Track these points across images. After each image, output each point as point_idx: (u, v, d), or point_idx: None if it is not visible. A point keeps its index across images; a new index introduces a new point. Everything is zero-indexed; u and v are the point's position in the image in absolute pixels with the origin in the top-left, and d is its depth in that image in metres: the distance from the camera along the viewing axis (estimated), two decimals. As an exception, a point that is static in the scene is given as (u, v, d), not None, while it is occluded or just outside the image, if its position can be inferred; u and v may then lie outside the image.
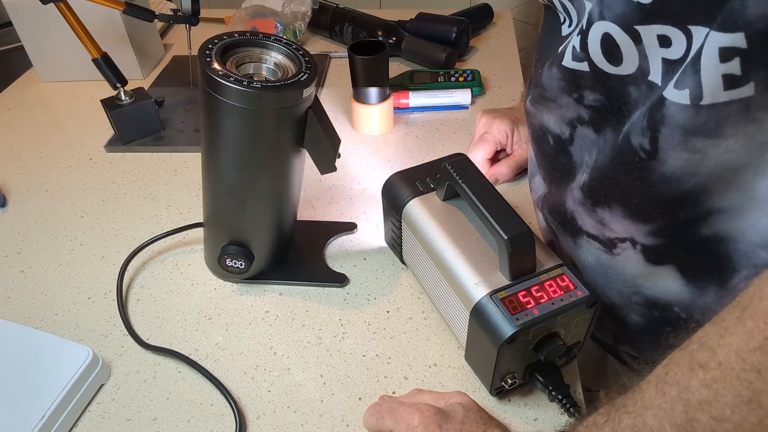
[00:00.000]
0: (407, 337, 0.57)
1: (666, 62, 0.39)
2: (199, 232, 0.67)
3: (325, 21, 1.10)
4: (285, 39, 0.53)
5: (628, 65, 0.42)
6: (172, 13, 0.86)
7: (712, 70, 0.35)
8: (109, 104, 0.83)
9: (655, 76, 0.41)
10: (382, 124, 0.86)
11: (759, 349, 0.29)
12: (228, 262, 0.59)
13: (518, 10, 1.61)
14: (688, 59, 0.37)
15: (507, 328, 0.45)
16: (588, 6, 0.43)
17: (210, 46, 0.49)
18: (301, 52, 0.52)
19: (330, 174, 0.56)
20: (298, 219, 0.64)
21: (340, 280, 0.63)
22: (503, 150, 0.75)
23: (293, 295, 0.62)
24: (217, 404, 0.52)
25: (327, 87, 0.99)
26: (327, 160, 0.54)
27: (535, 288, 0.47)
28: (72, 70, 1.01)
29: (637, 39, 0.40)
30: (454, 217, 0.55)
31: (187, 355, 0.56)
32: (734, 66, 0.34)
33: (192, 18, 0.85)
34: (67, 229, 0.72)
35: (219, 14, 1.23)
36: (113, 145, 0.86)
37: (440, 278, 0.53)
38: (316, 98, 0.53)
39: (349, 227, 0.69)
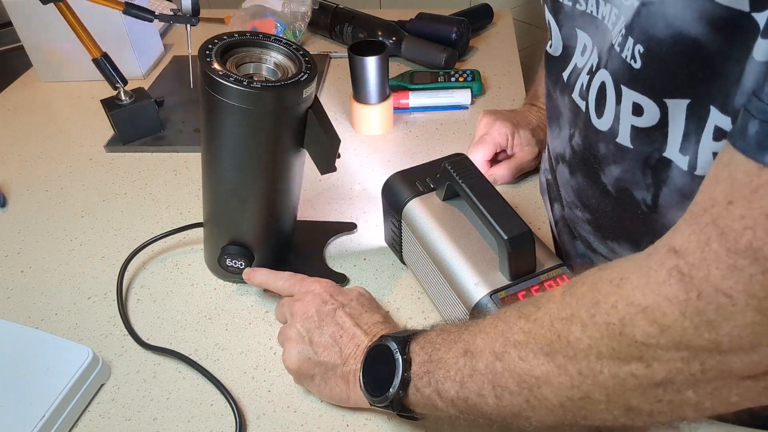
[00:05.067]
0: (407, 337, 0.57)
1: (635, 129, 0.42)
2: (199, 232, 0.67)
3: (325, 21, 1.10)
4: (285, 39, 0.53)
5: (605, 122, 0.44)
6: (172, 13, 0.86)
7: (706, 145, 0.38)
8: (109, 104, 0.83)
9: (624, 138, 0.43)
10: (382, 124, 0.86)
11: (565, 319, 0.35)
12: (228, 262, 0.59)
13: (518, 10, 1.61)
14: (669, 126, 0.39)
15: None
16: (585, 41, 0.46)
17: (210, 46, 0.49)
18: (301, 52, 0.52)
19: (330, 174, 0.56)
20: (298, 219, 0.64)
21: (340, 280, 0.63)
22: (504, 152, 0.75)
23: (293, 295, 0.62)
24: (217, 404, 0.52)
25: (327, 87, 0.99)
26: (327, 160, 0.54)
27: (535, 288, 0.47)
28: (72, 70, 1.01)
29: (618, 99, 0.42)
30: (454, 217, 0.55)
31: (187, 355, 0.56)
32: (721, 147, 0.36)
33: (192, 18, 0.85)
34: (67, 229, 0.72)
35: (219, 14, 1.23)
36: (113, 145, 0.86)
37: (440, 278, 0.53)
38: (316, 98, 0.53)
39: (349, 227, 0.69)
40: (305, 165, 0.59)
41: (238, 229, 0.58)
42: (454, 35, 1.00)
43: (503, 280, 0.48)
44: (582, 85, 0.47)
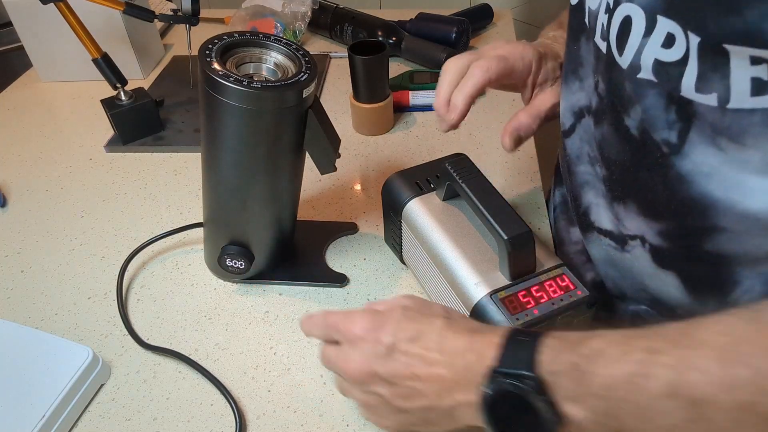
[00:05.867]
0: (407, 337, 0.57)
1: (657, 62, 0.39)
2: (199, 232, 0.67)
3: (325, 21, 1.10)
4: (285, 39, 0.53)
5: (625, 58, 0.42)
6: (172, 13, 0.86)
7: (741, 73, 0.35)
8: (109, 104, 0.83)
9: (646, 73, 0.40)
10: (382, 124, 0.86)
11: None
12: (228, 262, 0.59)
13: (518, 10, 1.61)
14: (688, 64, 0.37)
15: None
16: None
17: (210, 46, 0.49)
18: (301, 52, 0.52)
19: (330, 174, 0.56)
20: (298, 219, 0.64)
21: (340, 280, 0.63)
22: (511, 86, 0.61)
23: (293, 295, 0.62)
24: (217, 404, 0.52)
25: (327, 87, 0.99)
26: (327, 160, 0.54)
27: (535, 288, 0.47)
28: (72, 70, 1.01)
29: (650, 29, 0.39)
30: (454, 217, 0.55)
31: (187, 355, 0.56)
32: (762, 71, 0.34)
33: (192, 18, 0.85)
34: (67, 229, 0.72)
35: (219, 14, 1.23)
36: (113, 145, 0.86)
37: (440, 278, 0.53)
38: (316, 98, 0.53)
39: (349, 227, 0.69)
40: (305, 165, 0.59)
41: (238, 229, 0.58)
42: (454, 35, 1.00)
43: (503, 280, 0.48)
44: (602, 25, 0.45)
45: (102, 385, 0.54)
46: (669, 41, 0.37)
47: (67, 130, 0.91)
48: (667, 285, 0.49)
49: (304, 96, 0.49)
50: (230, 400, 0.52)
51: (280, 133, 0.51)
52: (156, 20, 0.83)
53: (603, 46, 0.45)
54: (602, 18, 0.44)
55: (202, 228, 0.63)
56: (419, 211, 0.56)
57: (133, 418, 0.52)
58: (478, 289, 0.48)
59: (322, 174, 0.55)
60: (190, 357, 0.56)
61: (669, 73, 0.39)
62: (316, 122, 0.51)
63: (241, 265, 0.60)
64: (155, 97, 0.86)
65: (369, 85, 0.81)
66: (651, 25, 0.39)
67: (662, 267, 0.48)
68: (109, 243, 0.70)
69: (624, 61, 0.42)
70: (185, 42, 0.91)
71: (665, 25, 0.37)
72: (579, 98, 0.52)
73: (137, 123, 0.85)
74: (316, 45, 1.13)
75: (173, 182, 0.79)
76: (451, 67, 0.54)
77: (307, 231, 0.68)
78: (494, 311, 0.46)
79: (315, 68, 0.51)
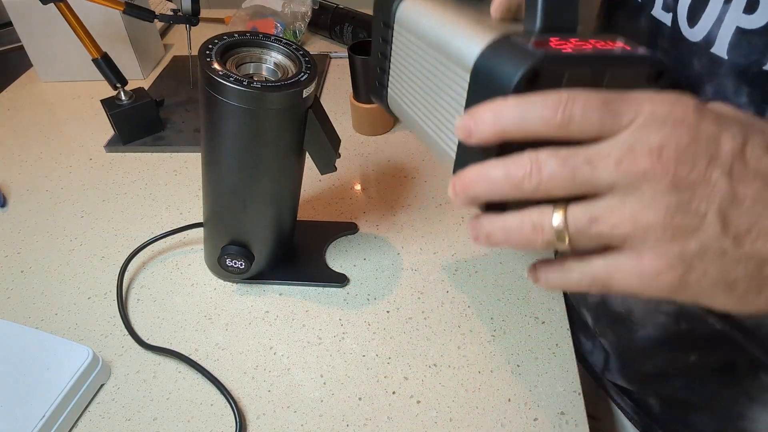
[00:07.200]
0: (407, 337, 0.57)
1: (739, 32, 0.35)
2: (199, 232, 0.67)
3: (325, 21, 1.10)
4: (285, 39, 0.53)
5: (698, 30, 0.37)
6: (172, 13, 0.86)
7: None
8: (109, 104, 0.83)
9: (720, 48, 0.36)
10: (382, 124, 0.86)
11: None
12: (228, 262, 0.59)
13: (518, 10, 1.61)
14: None
15: (525, 60, 0.29)
16: None
17: (210, 46, 0.49)
18: (301, 52, 0.52)
19: (330, 174, 0.56)
20: (298, 219, 0.64)
21: (340, 280, 0.63)
22: None
23: (293, 295, 0.62)
24: (217, 404, 0.52)
25: (327, 87, 0.99)
26: (327, 160, 0.54)
27: (574, 39, 0.32)
28: (72, 70, 1.01)
29: None
30: (466, 3, 0.40)
31: (187, 355, 0.56)
32: None
33: (192, 18, 0.85)
34: (67, 229, 0.72)
35: (219, 14, 1.23)
36: (113, 145, 0.86)
37: (436, 66, 0.37)
38: (316, 98, 0.53)
39: (349, 227, 0.69)
40: (305, 165, 0.59)
41: (238, 229, 0.58)
42: (454, 35, 1.00)
43: (530, 28, 0.33)
44: None
45: (102, 385, 0.54)
46: (751, 5, 0.34)
47: (67, 130, 0.91)
48: None
49: (304, 96, 0.49)
50: (230, 400, 0.52)
51: (280, 133, 0.51)
52: (156, 20, 0.83)
53: (667, 18, 0.40)
54: None
55: (202, 228, 0.63)
56: (420, 6, 0.41)
57: (133, 418, 0.52)
58: (485, 37, 0.33)
59: (322, 174, 0.55)
60: (190, 357, 0.56)
61: (752, 43, 0.34)
62: (316, 122, 0.51)
63: (241, 265, 0.60)
64: (155, 97, 0.86)
65: (369, 85, 0.81)
66: None
67: None
68: (109, 243, 0.70)
69: (695, 33, 0.38)
70: (185, 42, 0.91)
71: None
72: None
73: (137, 123, 0.85)
74: (316, 45, 1.13)
75: (173, 182, 0.79)
76: None
77: (307, 231, 0.68)
78: (507, 50, 0.31)
79: (315, 68, 0.51)
